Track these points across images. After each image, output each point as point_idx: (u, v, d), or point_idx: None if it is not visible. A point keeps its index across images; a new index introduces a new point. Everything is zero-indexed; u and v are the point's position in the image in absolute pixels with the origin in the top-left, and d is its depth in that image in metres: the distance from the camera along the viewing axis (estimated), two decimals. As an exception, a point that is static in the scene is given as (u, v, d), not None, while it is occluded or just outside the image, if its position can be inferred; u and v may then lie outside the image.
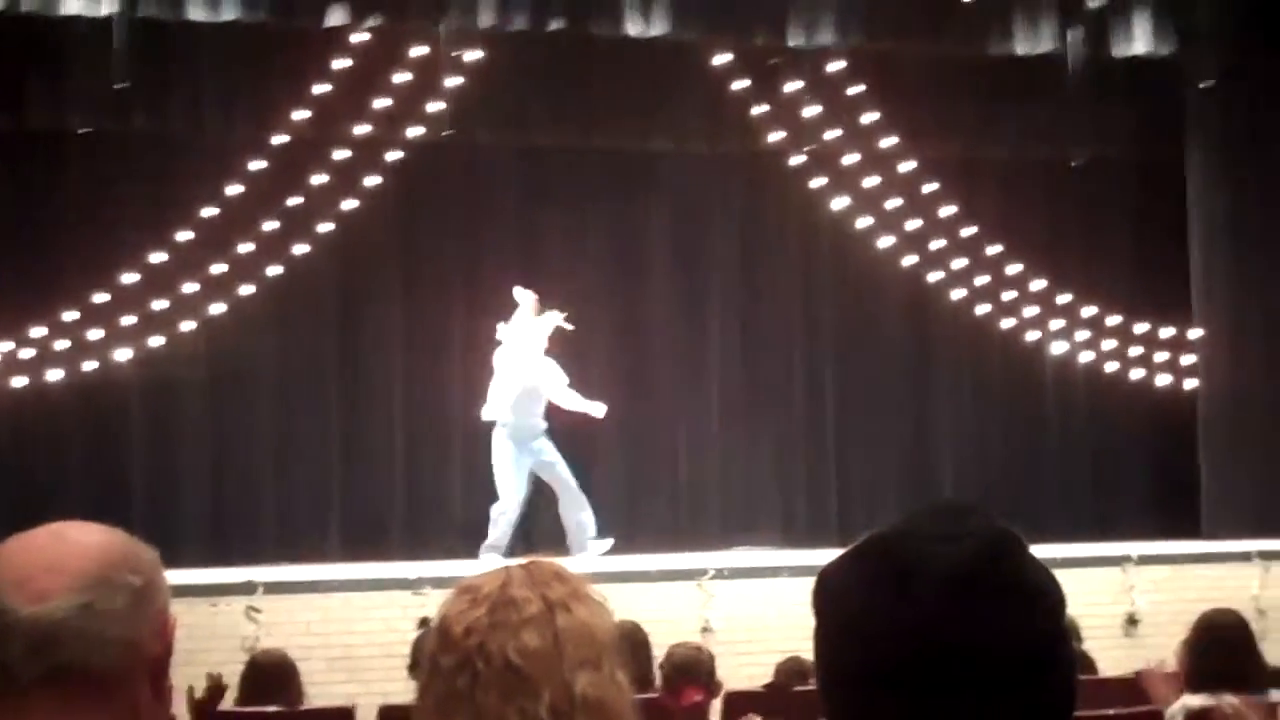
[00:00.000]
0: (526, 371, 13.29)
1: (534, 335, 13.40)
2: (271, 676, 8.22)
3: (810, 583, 1.88)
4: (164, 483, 13.95)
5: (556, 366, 13.52)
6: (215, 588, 11.13)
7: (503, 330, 13.47)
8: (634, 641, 7.42)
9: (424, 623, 7.97)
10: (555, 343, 13.58)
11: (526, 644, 2.30)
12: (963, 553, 1.75)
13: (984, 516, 1.81)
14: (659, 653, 8.10)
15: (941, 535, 1.77)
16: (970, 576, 1.74)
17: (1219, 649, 6.99)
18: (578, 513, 13.25)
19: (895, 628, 1.75)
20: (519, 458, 13.24)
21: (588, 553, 12.86)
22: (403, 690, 7.93)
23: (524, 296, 13.53)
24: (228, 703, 8.26)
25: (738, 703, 8.29)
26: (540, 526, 13.50)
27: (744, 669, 9.72)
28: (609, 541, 13.15)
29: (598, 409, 13.49)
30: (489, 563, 12.74)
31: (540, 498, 13.46)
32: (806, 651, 1.89)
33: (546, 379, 13.38)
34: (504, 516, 13.15)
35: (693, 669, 7.80)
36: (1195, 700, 7.03)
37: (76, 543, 2.12)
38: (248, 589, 11.21)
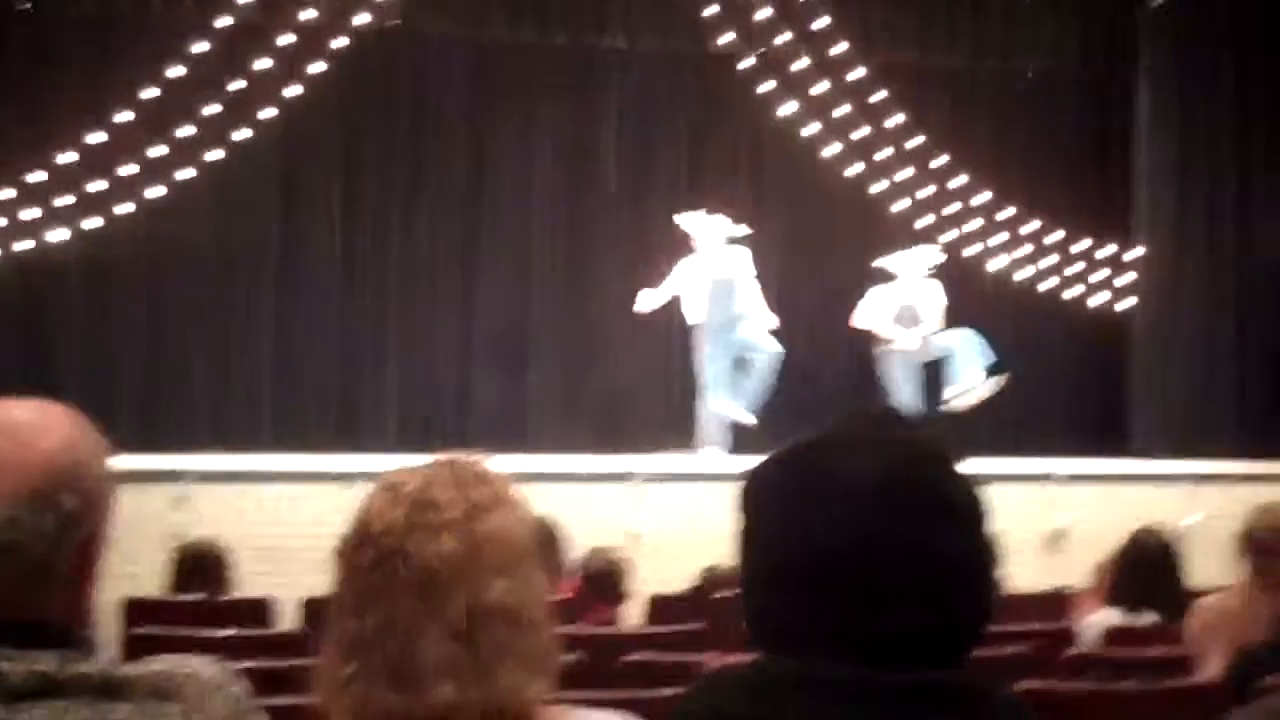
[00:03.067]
0: (716, 265, 13.47)
1: (716, 231, 13.55)
2: (201, 565, 8.23)
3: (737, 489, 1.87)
4: (97, 366, 13.83)
5: (747, 258, 13.67)
6: (145, 474, 11.06)
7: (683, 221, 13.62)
8: (545, 538, 7.43)
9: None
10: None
11: (443, 548, 2.27)
12: (883, 461, 1.77)
13: (910, 426, 1.84)
14: (582, 548, 8.17)
15: (865, 442, 1.79)
16: (888, 484, 1.76)
17: (1144, 569, 7.12)
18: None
19: (813, 533, 1.75)
20: (717, 349, 13.45)
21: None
22: (328, 585, 7.91)
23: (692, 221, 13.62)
24: (153, 591, 8.27)
25: (661, 606, 8.35)
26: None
27: (670, 571, 9.75)
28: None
29: (770, 320, 13.71)
30: (709, 457, 12.93)
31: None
32: (729, 559, 1.88)
33: (739, 270, 13.56)
34: (711, 410, 13.38)
35: (605, 581, 7.82)
36: (1113, 616, 7.12)
37: (26, 444, 2.09)
38: (177, 477, 11.16)
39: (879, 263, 13.97)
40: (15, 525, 2.04)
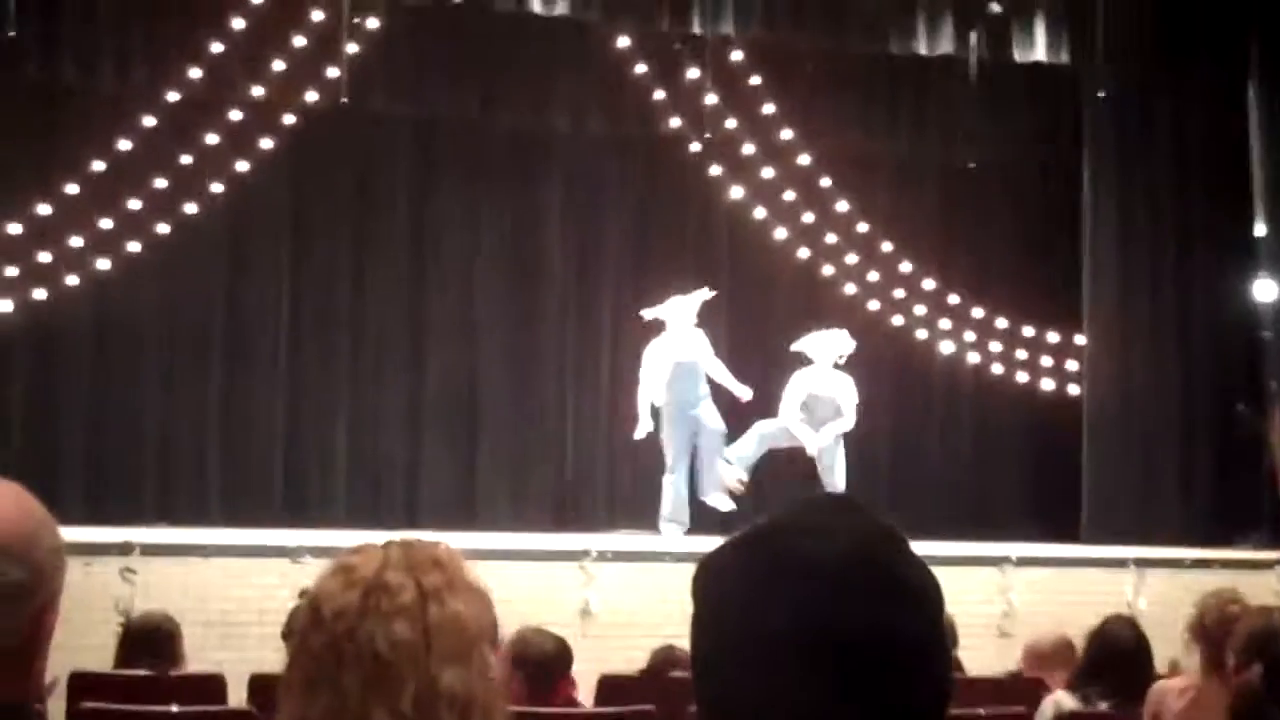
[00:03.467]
0: (680, 348, 13.49)
1: (684, 313, 13.56)
2: (152, 639, 8.07)
3: (690, 569, 1.85)
4: (43, 438, 13.72)
5: (705, 341, 13.74)
6: (91, 547, 10.92)
7: (651, 314, 13.58)
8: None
9: (303, 593, 7.75)
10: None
11: (395, 634, 2.25)
12: (839, 547, 1.73)
13: (863, 512, 1.79)
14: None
15: (820, 529, 1.75)
16: (844, 571, 1.72)
17: (1106, 656, 7.08)
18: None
19: (768, 619, 1.73)
20: (679, 428, 13.41)
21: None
22: (275, 660, 7.80)
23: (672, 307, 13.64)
24: (106, 665, 8.12)
25: (612, 687, 8.24)
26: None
27: (621, 653, 9.68)
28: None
29: (744, 392, 13.72)
30: (669, 535, 12.87)
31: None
32: (683, 639, 1.87)
33: (701, 352, 13.60)
34: (673, 488, 13.34)
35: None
36: (1068, 701, 7.11)
37: None
38: (124, 549, 11.02)
39: (796, 346, 13.91)
40: None
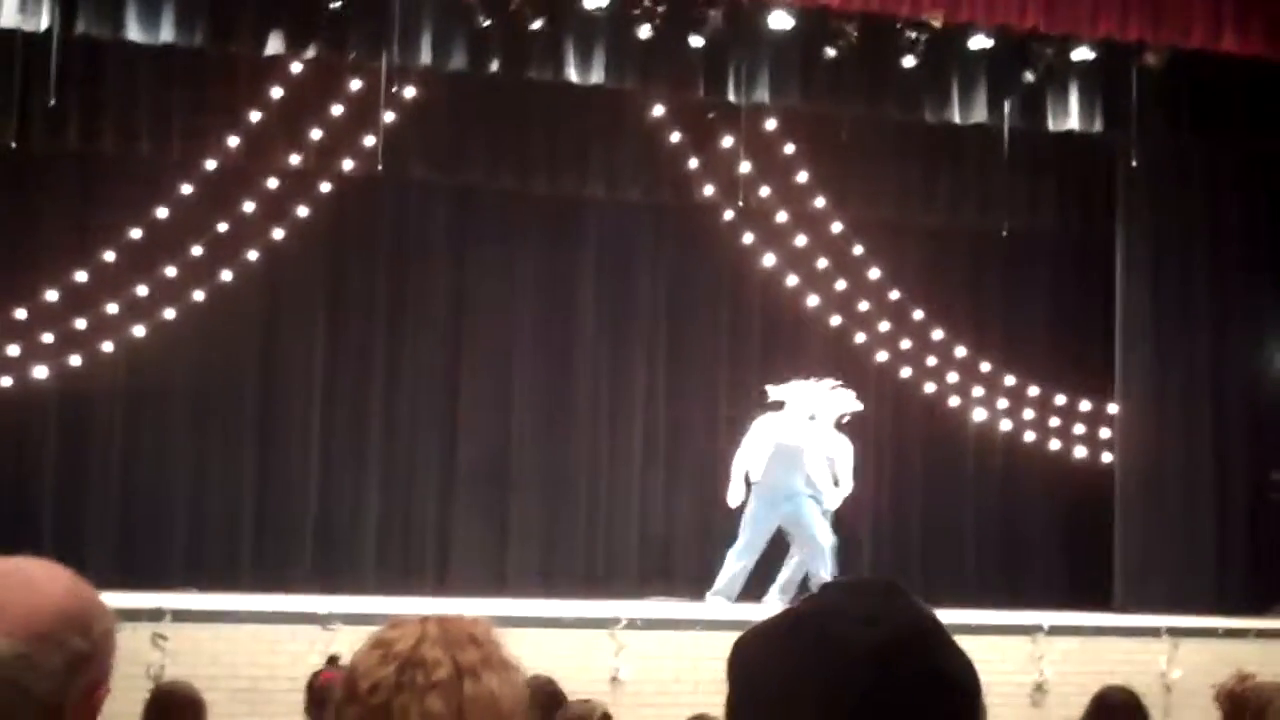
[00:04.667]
0: (789, 431, 13.48)
1: (804, 399, 13.57)
2: (176, 710, 8.07)
3: (722, 637, 1.87)
4: (75, 503, 13.80)
5: (845, 445, 13.74)
6: (122, 613, 10.93)
7: (774, 392, 13.57)
8: (545, 695, 7.33)
9: (331, 661, 7.81)
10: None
11: (430, 709, 2.27)
12: (884, 636, 1.73)
13: (906, 598, 1.79)
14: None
15: (863, 617, 1.75)
16: (891, 661, 1.72)
17: None
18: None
19: (804, 703, 1.72)
20: (763, 511, 13.35)
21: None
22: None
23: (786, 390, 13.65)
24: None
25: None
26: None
27: (653, 721, 9.67)
28: None
29: (833, 498, 13.67)
30: (715, 607, 12.78)
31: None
32: (714, 708, 1.86)
33: (809, 442, 13.51)
34: (739, 565, 13.29)
35: None
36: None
37: (37, 589, 2.10)
38: (155, 615, 11.03)
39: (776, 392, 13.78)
40: (25, 662, 2.04)
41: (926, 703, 1.72)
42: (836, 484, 13.75)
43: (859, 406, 13.95)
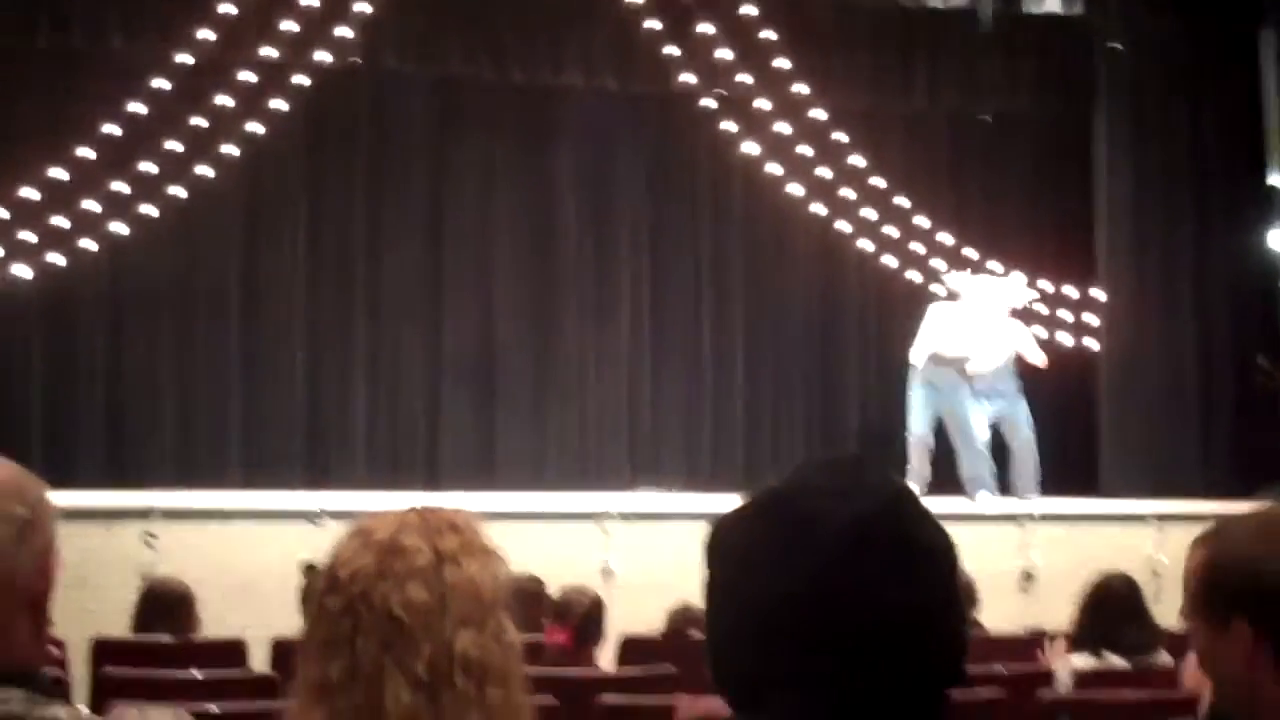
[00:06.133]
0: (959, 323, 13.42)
1: (999, 297, 13.57)
2: (167, 605, 8.10)
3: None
4: (62, 403, 13.74)
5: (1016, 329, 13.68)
6: (111, 511, 10.96)
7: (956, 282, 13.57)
8: (527, 593, 7.42)
9: (308, 569, 7.80)
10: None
11: (410, 597, 2.28)
12: (857, 509, 1.73)
13: (880, 472, 1.80)
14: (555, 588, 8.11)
15: (837, 491, 1.75)
16: (865, 534, 1.72)
17: (1107, 612, 7.17)
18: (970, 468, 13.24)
19: (787, 584, 1.72)
20: (928, 399, 13.34)
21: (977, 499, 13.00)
22: (296, 624, 7.80)
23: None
24: (122, 629, 8.15)
25: (633, 648, 8.28)
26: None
27: (643, 613, 9.68)
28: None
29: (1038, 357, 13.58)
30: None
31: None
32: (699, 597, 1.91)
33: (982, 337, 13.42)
34: (913, 450, 13.17)
35: (564, 610, 7.76)
36: (1080, 661, 7.14)
37: None
38: (144, 514, 11.04)
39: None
40: None
41: (903, 572, 1.73)
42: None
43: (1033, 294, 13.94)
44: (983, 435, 13.28)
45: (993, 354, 13.37)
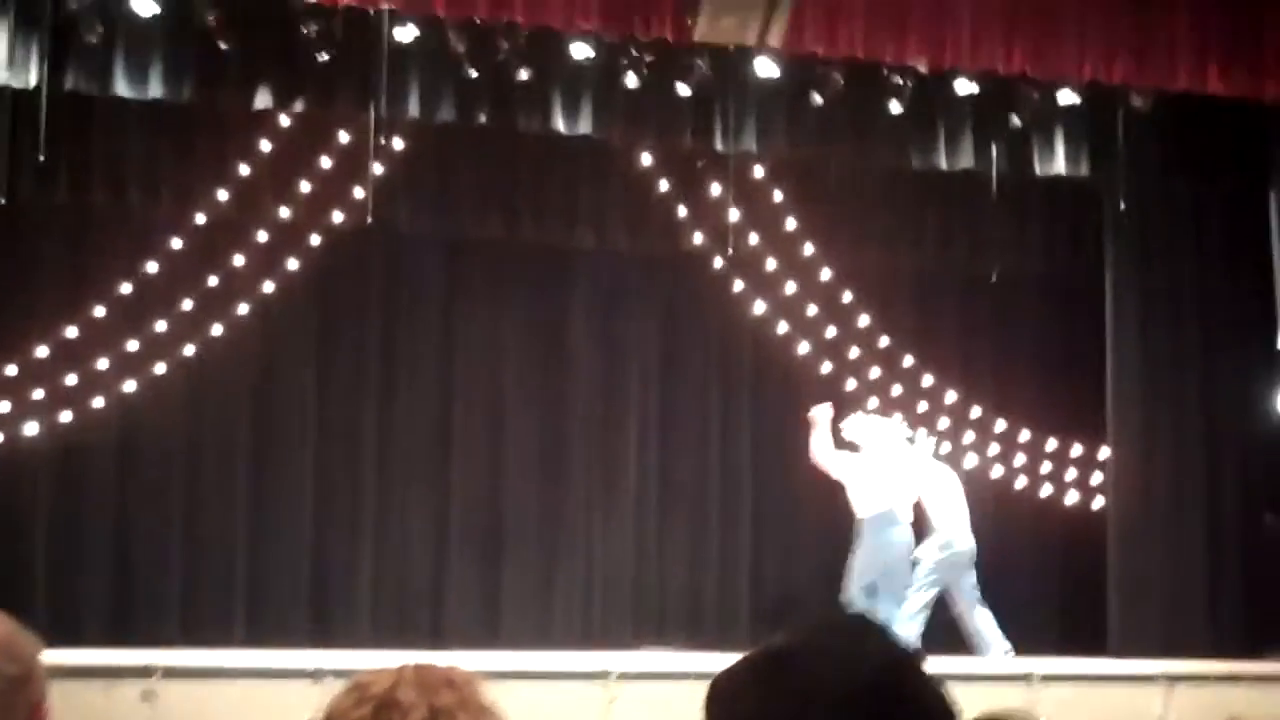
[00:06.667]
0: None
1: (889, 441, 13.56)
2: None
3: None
4: (68, 560, 13.69)
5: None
6: (112, 670, 10.92)
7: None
8: None
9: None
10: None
11: None
12: (861, 676, 1.71)
13: (884, 636, 1.78)
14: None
15: (841, 655, 1.73)
16: (872, 699, 1.70)
17: None
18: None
19: None
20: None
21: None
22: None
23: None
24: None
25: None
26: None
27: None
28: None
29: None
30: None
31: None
32: None
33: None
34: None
35: None
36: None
37: None
38: (145, 672, 10.99)
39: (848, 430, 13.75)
40: None
41: None
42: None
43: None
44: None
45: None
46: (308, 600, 14.29)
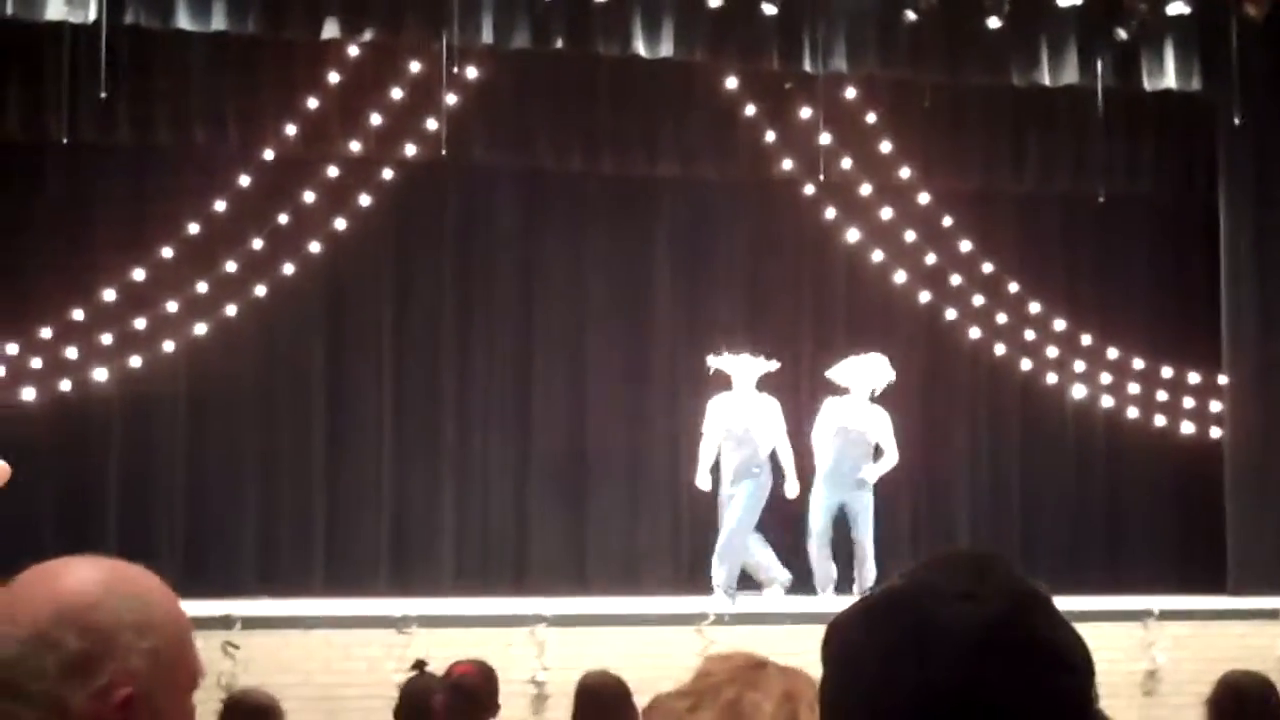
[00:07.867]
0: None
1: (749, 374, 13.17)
2: (252, 717, 7.72)
3: (813, 630, 1.85)
4: (141, 508, 13.46)
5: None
6: (191, 621, 10.57)
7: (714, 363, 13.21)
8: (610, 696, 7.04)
9: (417, 665, 7.48)
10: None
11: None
12: (985, 612, 1.64)
13: (1006, 571, 1.69)
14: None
15: (962, 593, 1.65)
16: (993, 638, 1.63)
17: (1239, 714, 6.75)
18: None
19: (913, 690, 1.63)
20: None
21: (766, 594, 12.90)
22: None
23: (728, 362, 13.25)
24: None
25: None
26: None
27: None
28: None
29: (793, 488, 13.18)
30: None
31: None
32: None
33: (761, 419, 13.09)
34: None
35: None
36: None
37: (51, 583, 2.00)
38: (225, 623, 10.74)
39: (831, 373, 13.35)
40: (16, 664, 1.94)
41: (1033, 683, 1.62)
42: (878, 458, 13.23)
43: (892, 375, 13.38)
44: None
45: None
46: (388, 547, 13.98)
